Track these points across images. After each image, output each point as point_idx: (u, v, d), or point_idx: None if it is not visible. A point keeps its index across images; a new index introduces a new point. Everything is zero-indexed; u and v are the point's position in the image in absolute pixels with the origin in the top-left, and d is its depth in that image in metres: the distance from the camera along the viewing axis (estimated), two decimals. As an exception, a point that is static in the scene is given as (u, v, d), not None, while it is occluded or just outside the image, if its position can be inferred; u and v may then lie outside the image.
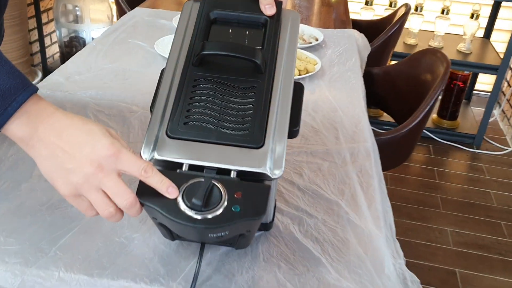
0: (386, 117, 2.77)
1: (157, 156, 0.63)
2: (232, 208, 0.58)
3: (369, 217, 0.84)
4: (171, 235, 0.72)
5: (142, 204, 0.59)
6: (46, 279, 0.69)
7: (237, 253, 0.74)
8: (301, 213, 0.83)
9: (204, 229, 0.57)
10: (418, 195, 2.33)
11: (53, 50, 3.05)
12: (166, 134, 0.64)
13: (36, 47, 2.89)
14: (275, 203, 0.82)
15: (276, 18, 0.76)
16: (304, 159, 0.99)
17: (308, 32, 1.69)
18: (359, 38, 1.72)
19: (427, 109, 1.35)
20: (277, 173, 0.62)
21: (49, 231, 0.75)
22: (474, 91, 3.21)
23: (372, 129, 1.16)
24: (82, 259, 0.71)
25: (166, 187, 0.58)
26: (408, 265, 0.83)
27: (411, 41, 2.84)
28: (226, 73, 0.68)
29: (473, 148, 2.76)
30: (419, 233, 2.08)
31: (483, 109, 2.77)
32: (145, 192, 0.59)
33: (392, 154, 1.38)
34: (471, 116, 3.04)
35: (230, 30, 0.76)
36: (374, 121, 2.77)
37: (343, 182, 0.92)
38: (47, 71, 2.83)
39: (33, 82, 1.19)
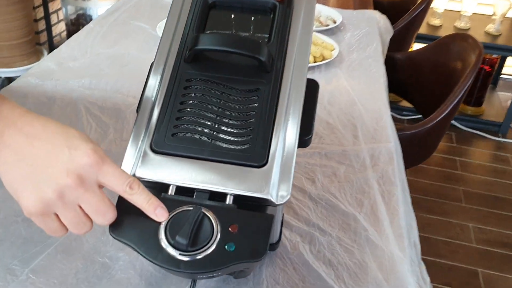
0: (406, 102, 2.63)
1: (138, 174, 0.52)
2: (226, 247, 0.47)
3: (391, 235, 0.73)
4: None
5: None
6: (14, 308, 0.60)
7: (236, 280, 0.64)
8: (312, 228, 0.72)
9: (190, 274, 0.47)
10: (439, 187, 2.21)
11: (60, 28, 2.94)
12: (151, 147, 0.54)
13: (42, 25, 2.78)
14: (282, 218, 0.71)
15: (287, 1, 0.64)
16: (317, 161, 0.88)
17: (326, 13, 1.56)
18: (381, 20, 1.59)
19: (456, 100, 1.22)
20: (282, 198, 0.51)
21: (22, 248, 0.66)
22: (501, 75, 3.04)
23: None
24: (57, 284, 0.62)
25: (154, 208, 0.48)
26: (427, 263, 0.72)
27: (435, 22, 2.67)
28: (224, 72, 0.57)
29: (499, 137, 2.60)
30: (439, 229, 1.96)
31: (511, 95, 2.62)
32: (118, 223, 0.49)
33: (415, 151, 1.26)
34: (497, 102, 2.88)
35: (232, 16, 0.64)
36: (392, 106, 2.63)
37: (361, 190, 0.81)
38: (53, 50, 2.73)
39: (38, 62, 1.09)
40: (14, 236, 0.67)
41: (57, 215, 0.49)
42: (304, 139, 0.58)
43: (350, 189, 0.81)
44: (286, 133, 0.56)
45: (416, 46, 2.23)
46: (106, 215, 0.48)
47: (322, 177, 0.83)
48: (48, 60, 1.12)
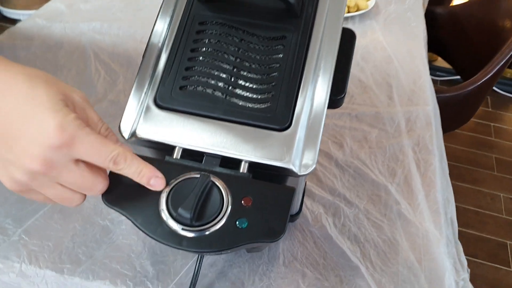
0: (441, 62, 2.48)
1: (139, 132, 0.45)
2: (237, 223, 0.40)
3: (426, 211, 0.65)
4: None
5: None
6: (3, 272, 0.54)
7: (249, 253, 0.57)
8: (337, 199, 0.64)
9: (194, 252, 0.40)
10: (470, 154, 2.10)
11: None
12: (155, 101, 0.46)
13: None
14: (304, 186, 0.64)
15: None
16: (346, 123, 0.79)
17: (363, -40, 1.43)
18: (423, -31, 1.44)
19: (502, 63, 1.11)
20: (306, 168, 0.44)
21: (17, 205, 0.60)
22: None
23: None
24: (52, 247, 0.56)
25: (147, 179, 0.41)
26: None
27: (479, -24, 2.47)
28: (245, 15, 0.48)
29: (538, 103, 2.45)
30: (468, 198, 1.87)
31: (555, 59, 2.44)
32: (113, 189, 0.41)
33: (451, 115, 1.16)
34: (538, 65, 2.70)
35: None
36: (427, 66, 2.49)
37: (395, 158, 0.73)
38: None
39: (47, 3, 1.01)
40: (8, 192, 0.61)
41: None
42: (335, 98, 0.50)
43: (382, 156, 0.73)
44: (315, 90, 0.48)
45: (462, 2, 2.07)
46: (93, 188, 0.41)
47: (351, 141, 0.75)
48: (58, 1, 1.04)
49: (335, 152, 0.73)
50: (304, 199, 0.63)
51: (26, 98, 0.37)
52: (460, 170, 1.99)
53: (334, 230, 0.60)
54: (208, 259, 0.56)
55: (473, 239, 1.70)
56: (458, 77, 2.21)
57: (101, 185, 0.41)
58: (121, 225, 0.59)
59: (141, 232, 0.57)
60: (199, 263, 0.50)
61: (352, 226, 0.61)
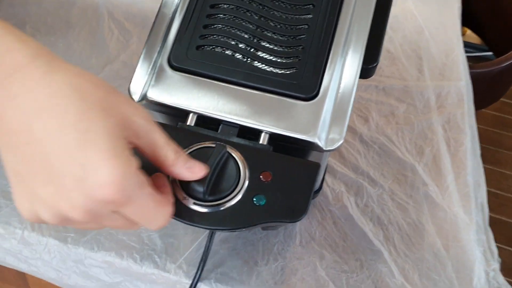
0: (470, 36, 2.38)
1: (150, 95, 0.41)
2: (254, 200, 0.36)
3: (456, 194, 0.60)
4: None
5: None
6: (5, 238, 0.51)
7: (265, 231, 0.53)
8: (361, 177, 0.60)
9: (207, 228, 0.36)
10: (494, 134, 2.03)
11: None
12: (169, 61, 0.42)
13: None
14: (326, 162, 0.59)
15: None
16: (373, 96, 0.74)
17: None
18: None
19: (540, 39, 1.04)
20: (333, 143, 0.39)
21: (21, 168, 0.56)
22: None
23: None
24: (56, 215, 0.53)
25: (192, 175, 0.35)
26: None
27: None
28: (272, -31, 0.43)
29: None
30: (489, 179, 1.80)
31: None
32: None
33: (483, 92, 1.09)
34: None
35: None
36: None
37: (423, 136, 0.68)
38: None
39: None
40: (14, 153, 0.58)
41: None
42: (367, 67, 0.45)
43: (409, 133, 0.68)
44: (347, 57, 0.43)
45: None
46: (156, 220, 0.33)
47: (378, 116, 0.70)
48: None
49: (360, 126, 0.68)
50: (325, 176, 0.59)
51: (76, 128, 0.29)
52: (482, 150, 1.93)
53: (356, 211, 0.56)
54: (220, 235, 0.52)
55: (491, 222, 1.65)
56: (487, 53, 2.12)
57: (165, 217, 0.34)
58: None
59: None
60: (211, 239, 0.47)
61: (376, 207, 0.57)
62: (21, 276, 0.59)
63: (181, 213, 0.36)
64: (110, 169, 0.28)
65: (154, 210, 0.32)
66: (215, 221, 0.36)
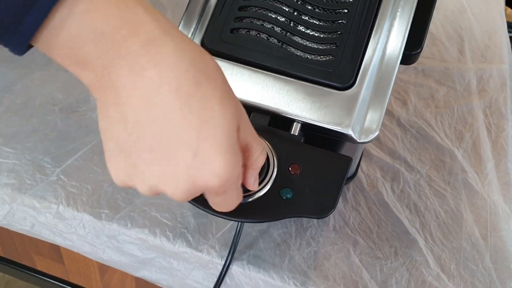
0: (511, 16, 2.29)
1: (186, 75, 0.40)
2: (281, 193, 0.36)
3: (495, 182, 0.58)
4: None
5: None
6: (40, 212, 0.52)
7: (298, 213, 0.53)
8: (397, 162, 0.59)
9: (230, 219, 0.36)
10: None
11: None
12: (202, 43, 0.41)
13: None
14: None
15: None
16: (411, 78, 0.71)
17: None
18: None
19: None
20: (368, 134, 0.38)
21: (56, 143, 0.57)
22: None
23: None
24: (91, 191, 0.53)
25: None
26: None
27: None
28: None
29: None
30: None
31: None
32: None
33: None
34: None
35: None
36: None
37: (463, 121, 0.66)
38: None
39: None
40: (49, 127, 0.58)
41: None
42: (410, 54, 0.43)
43: (448, 118, 0.66)
44: (387, 43, 0.41)
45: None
46: (225, 207, 0.34)
47: (416, 99, 0.68)
48: None
49: (398, 109, 0.66)
50: (361, 160, 0.58)
51: (198, 115, 0.28)
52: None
53: (392, 197, 0.55)
54: (253, 216, 0.52)
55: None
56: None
57: (227, 208, 0.34)
58: (162, 173, 0.55)
59: (183, 181, 0.54)
60: (241, 225, 0.47)
61: (412, 193, 0.56)
62: (55, 250, 0.60)
63: (205, 202, 0.36)
64: (222, 164, 0.28)
65: (233, 199, 0.32)
66: (241, 213, 0.36)
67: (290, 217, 0.36)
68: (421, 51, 0.44)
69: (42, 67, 0.64)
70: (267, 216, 0.36)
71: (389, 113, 0.65)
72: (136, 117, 0.28)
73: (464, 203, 0.55)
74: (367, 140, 0.39)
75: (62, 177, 0.54)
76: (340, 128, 0.38)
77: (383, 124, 0.63)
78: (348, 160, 0.37)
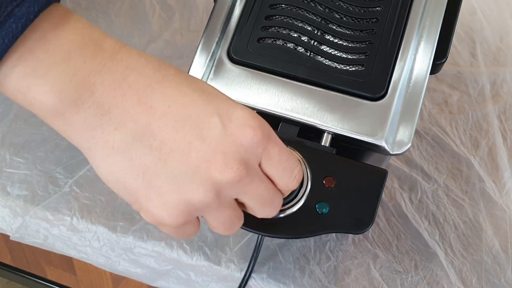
0: None
1: (210, 90, 0.39)
2: (317, 207, 0.35)
3: (514, 191, 0.57)
4: None
5: None
6: (53, 225, 0.51)
7: (316, 225, 0.52)
8: (414, 171, 0.58)
9: (265, 236, 0.35)
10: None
11: None
12: (228, 54, 0.40)
13: None
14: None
15: None
16: (424, 83, 0.70)
17: None
18: None
19: None
20: (400, 146, 0.38)
21: (69, 152, 0.56)
22: None
23: None
24: (104, 203, 0.52)
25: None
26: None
27: None
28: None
29: None
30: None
31: None
32: None
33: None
34: None
35: None
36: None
37: (478, 127, 0.65)
38: None
39: None
40: (60, 136, 0.56)
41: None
42: (437, 63, 0.42)
43: (463, 124, 0.65)
44: (417, 53, 0.40)
45: None
46: (274, 202, 0.31)
47: (430, 104, 0.67)
48: None
49: (412, 116, 0.65)
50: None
51: (198, 91, 0.28)
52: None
53: (411, 208, 0.54)
54: (271, 229, 0.51)
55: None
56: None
57: (279, 204, 0.31)
58: (177, 183, 0.54)
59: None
60: (262, 237, 0.46)
61: (430, 203, 0.55)
62: (67, 260, 0.59)
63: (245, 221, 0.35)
64: (241, 105, 0.29)
65: (287, 161, 0.30)
66: (276, 229, 0.35)
67: (327, 233, 0.35)
68: (445, 60, 0.44)
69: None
70: (304, 232, 0.35)
71: (404, 120, 0.64)
72: (146, 127, 0.27)
73: (483, 213, 0.55)
74: (400, 152, 0.38)
75: (75, 188, 0.53)
76: (373, 140, 0.38)
77: (399, 132, 0.62)
78: (384, 172, 0.36)
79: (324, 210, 0.35)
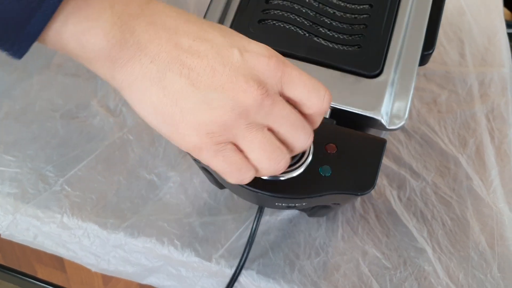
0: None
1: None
2: (320, 170, 0.36)
3: (500, 189, 0.58)
4: (219, 183, 0.51)
5: None
6: (44, 222, 0.51)
7: (305, 222, 0.52)
8: (403, 169, 0.59)
9: (270, 197, 0.36)
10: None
11: None
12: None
13: None
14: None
15: None
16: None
17: None
18: None
19: None
20: (396, 121, 0.39)
21: (58, 150, 0.56)
22: None
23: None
24: (95, 200, 0.52)
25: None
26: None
27: None
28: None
29: None
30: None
31: None
32: None
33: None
34: None
35: None
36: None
37: (465, 126, 0.66)
38: None
39: None
40: (50, 134, 0.57)
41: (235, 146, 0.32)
42: (423, 54, 0.44)
43: (452, 123, 0.66)
44: (409, 35, 0.44)
45: None
46: (305, 129, 0.33)
47: (419, 103, 0.68)
48: None
49: (401, 114, 0.66)
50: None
51: (217, 29, 0.33)
52: None
53: (399, 205, 0.55)
54: (261, 225, 0.52)
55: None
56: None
57: (311, 133, 0.33)
58: (168, 182, 0.54)
59: (189, 191, 0.53)
60: (253, 232, 0.46)
61: (419, 201, 0.56)
62: (58, 258, 0.59)
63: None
64: (255, 41, 0.33)
65: (313, 84, 0.32)
66: (279, 190, 0.36)
67: (331, 194, 0.36)
68: (432, 52, 0.45)
69: (41, 71, 0.63)
70: (309, 192, 0.36)
71: (393, 118, 0.65)
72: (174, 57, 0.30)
73: (470, 211, 0.56)
74: (395, 127, 0.40)
75: (66, 187, 0.53)
76: (371, 114, 0.39)
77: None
78: (383, 141, 0.38)
79: (327, 173, 0.37)
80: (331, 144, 0.37)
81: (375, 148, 0.38)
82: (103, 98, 0.60)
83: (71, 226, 0.51)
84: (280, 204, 0.40)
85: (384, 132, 0.43)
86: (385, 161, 0.59)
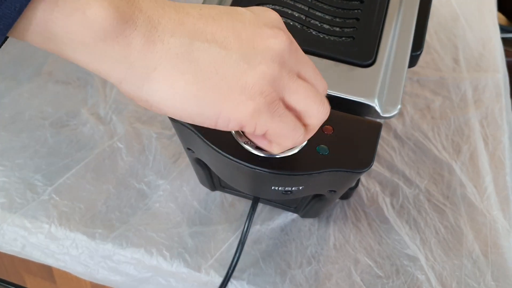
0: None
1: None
2: (318, 149, 0.37)
3: (494, 196, 0.58)
4: (211, 182, 0.50)
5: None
6: (32, 233, 0.50)
7: (297, 230, 0.52)
8: (396, 176, 0.58)
9: (268, 176, 0.36)
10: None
11: None
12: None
13: None
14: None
15: None
16: (407, 89, 0.71)
17: None
18: None
19: None
20: (389, 109, 0.40)
21: (47, 159, 0.55)
22: None
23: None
24: (84, 210, 0.52)
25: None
26: None
27: None
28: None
29: None
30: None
31: None
32: None
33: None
34: None
35: None
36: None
37: (460, 132, 0.65)
38: None
39: None
40: (39, 143, 0.56)
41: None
42: (412, 55, 0.44)
43: (445, 129, 0.65)
44: (400, 28, 0.44)
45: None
46: (321, 107, 0.32)
47: (413, 109, 0.67)
48: None
49: (394, 121, 0.65)
50: (359, 174, 0.57)
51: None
52: None
53: (392, 213, 0.54)
54: (252, 234, 0.51)
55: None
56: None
57: (324, 109, 0.32)
58: (158, 191, 0.54)
59: (179, 199, 0.53)
60: (244, 235, 0.45)
61: (412, 208, 0.55)
62: (46, 268, 0.58)
63: (243, 154, 0.36)
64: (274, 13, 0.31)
65: (316, 89, 0.32)
66: (278, 166, 0.36)
67: (330, 171, 0.36)
68: (420, 53, 0.45)
69: (30, 79, 0.62)
70: (308, 169, 0.36)
71: (385, 124, 0.64)
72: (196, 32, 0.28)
73: (464, 218, 0.55)
74: (389, 115, 0.40)
75: (54, 196, 0.52)
76: (365, 100, 0.39)
77: (382, 137, 0.62)
78: (379, 125, 0.38)
79: (325, 152, 0.37)
80: (327, 126, 0.38)
81: (372, 130, 0.38)
82: (93, 106, 0.60)
83: (59, 236, 0.50)
84: (276, 188, 0.39)
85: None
86: (377, 168, 0.58)
